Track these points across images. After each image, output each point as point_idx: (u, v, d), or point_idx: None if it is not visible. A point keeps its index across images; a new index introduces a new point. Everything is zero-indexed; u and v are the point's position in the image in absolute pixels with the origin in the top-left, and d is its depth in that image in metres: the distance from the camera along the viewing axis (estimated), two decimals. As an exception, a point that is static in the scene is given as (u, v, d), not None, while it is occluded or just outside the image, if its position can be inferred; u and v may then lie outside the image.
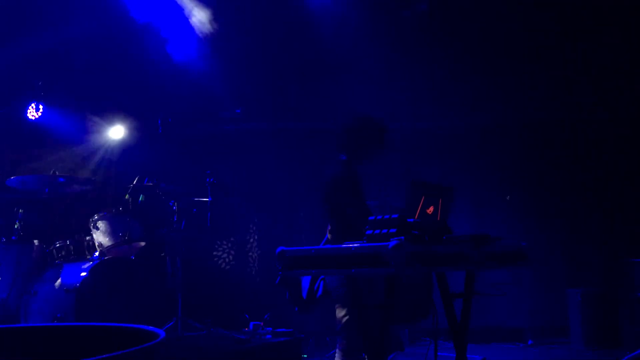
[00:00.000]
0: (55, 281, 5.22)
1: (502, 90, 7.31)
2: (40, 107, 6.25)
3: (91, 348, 2.16)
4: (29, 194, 6.03)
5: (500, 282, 6.36)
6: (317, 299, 3.78)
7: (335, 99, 7.11)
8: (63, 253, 5.59)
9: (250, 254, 7.45)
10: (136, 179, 5.88)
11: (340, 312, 3.78)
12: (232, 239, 7.43)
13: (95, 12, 6.23)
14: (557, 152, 7.39)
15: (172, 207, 5.87)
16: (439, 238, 2.94)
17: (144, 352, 1.76)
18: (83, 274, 5.14)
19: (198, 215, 6.11)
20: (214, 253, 7.36)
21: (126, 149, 7.20)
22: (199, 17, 6.71)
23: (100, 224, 5.65)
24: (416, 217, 3.07)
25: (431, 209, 3.17)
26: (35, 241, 5.67)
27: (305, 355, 5.94)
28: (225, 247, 7.44)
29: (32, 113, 6.28)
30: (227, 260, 7.41)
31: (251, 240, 7.48)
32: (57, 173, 5.79)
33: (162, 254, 5.94)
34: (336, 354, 3.77)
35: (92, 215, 5.71)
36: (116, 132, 7.15)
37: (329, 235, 3.98)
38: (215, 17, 6.69)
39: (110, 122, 7.13)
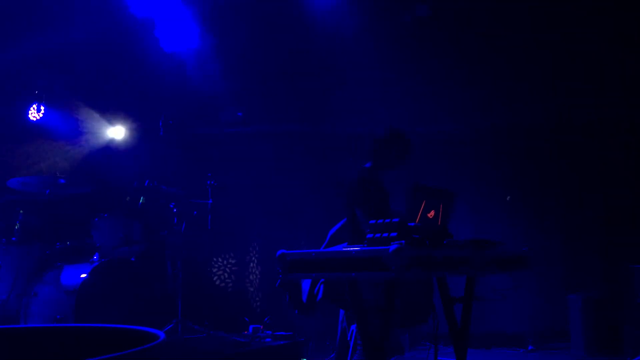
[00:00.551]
0: (56, 283, 5.22)
1: (502, 95, 7.31)
2: (42, 108, 6.26)
3: (91, 349, 2.16)
4: (30, 195, 6.02)
5: (500, 287, 6.35)
6: (317, 303, 3.78)
7: (336, 103, 7.11)
8: (63, 254, 5.59)
9: (251, 255, 7.44)
10: (137, 180, 5.88)
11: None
12: (232, 241, 7.43)
13: (98, 15, 6.22)
14: (558, 157, 7.38)
15: (172, 210, 5.88)
16: (439, 242, 2.94)
17: (144, 353, 1.76)
18: (83, 275, 5.14)
19: (198, 218, 6.11)
20: (214, 256, 7.35)
21: (127, 151, 7.20)
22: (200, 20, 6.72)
23: (100, 226, 5.65)
24: (417, 221, 3.07)
25: (432, 213, 3.17)
26: (36, 242, 5.66)
27: (305, 359, 5.93)
28: (225, 248, 7.44)
29: (34, 114, 6.29)
30: (227, 262, 7.41)
31: (252, 242, 7.47)
32: (58, 174, 5.79)
33: (162, 256, 5.95)
34: None
35: (93, 217, 5.71)
36: (117, 133, 7.16)
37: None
38: (217, 20, 6.70)
39: (112, 124, 7.15)
